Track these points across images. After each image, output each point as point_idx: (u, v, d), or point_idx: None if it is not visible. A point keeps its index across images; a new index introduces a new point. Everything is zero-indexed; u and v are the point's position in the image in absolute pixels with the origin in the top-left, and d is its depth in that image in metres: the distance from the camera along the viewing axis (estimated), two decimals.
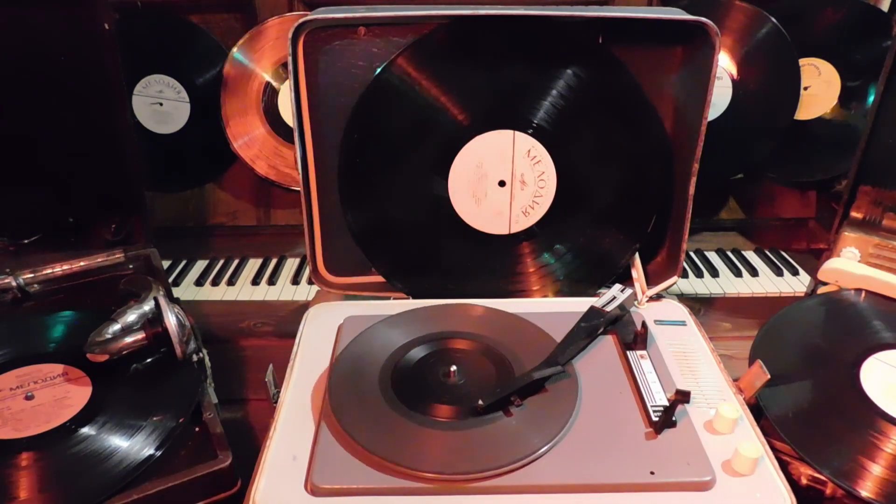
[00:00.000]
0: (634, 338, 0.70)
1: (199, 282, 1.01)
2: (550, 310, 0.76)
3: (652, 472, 0.55)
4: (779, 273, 1.03)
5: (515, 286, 0.84)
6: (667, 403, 0.61)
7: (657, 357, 0.68)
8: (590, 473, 0.55)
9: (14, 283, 0.77)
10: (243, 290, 0.99)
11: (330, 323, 0.75)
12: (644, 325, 0.71)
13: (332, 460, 0.56)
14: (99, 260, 0.82)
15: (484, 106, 0.78)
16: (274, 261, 1.07)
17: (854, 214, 0.84)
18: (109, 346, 0.65)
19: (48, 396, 0.63)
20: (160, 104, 1.04)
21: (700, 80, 0.75)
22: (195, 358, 0.68)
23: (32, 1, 0.72)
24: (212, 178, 1.09)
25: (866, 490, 0.56)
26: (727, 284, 1.00)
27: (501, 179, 0.81)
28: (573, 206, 0.82)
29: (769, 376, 0.62)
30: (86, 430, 0.60)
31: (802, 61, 1.02)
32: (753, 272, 1.03)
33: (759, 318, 0.82)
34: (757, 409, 0.64)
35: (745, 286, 1.00)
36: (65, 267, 0.81)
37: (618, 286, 0.76)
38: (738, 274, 1.03)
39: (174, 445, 0.59)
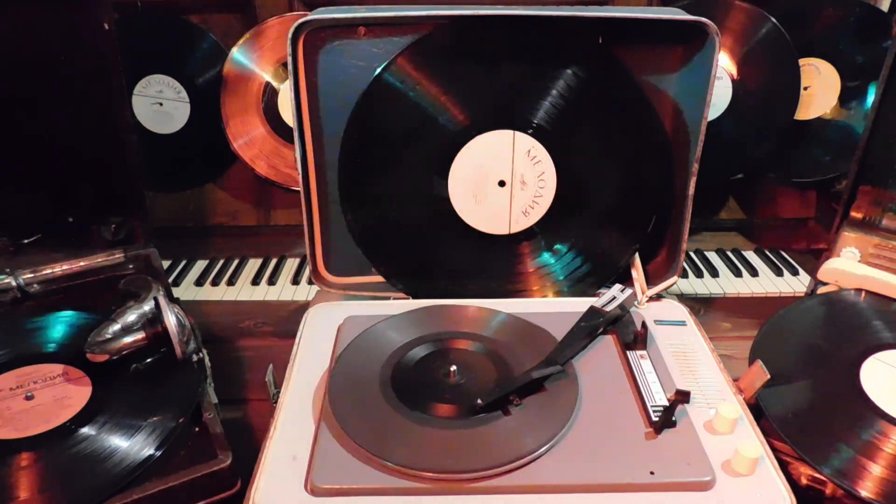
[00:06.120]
0: (634, 338, 0.70)
1: (199, 282, 1.01)
2: (550, 310, 0.76)
3: (652, 472, 0.55)
4: (779, 273, 1.03)
5: (515, 286, 0.84)
6: (667, 403, 0.61)
7: (657, 357, 0.68)
8: (589, 473, 0.55)
9: (14, 283, 0.77)
10: (243, 290, 0.99)
11: (330, 323, 0.75)
12: (644, 325, 0.71)
13: (331, 460, 0.56)
14: (99, 260, 0.82)
15: (484, 106, 0.78)
16: (274, 261, 1.07)
17: (854, 214, 0.84)
18: (109, 346, 0.65)
19: (48, 396, 0.63)
20: (160, 104, 1.04)
21: (700, 80, 0.75)
22: (195, 358, 0.68)
23: (32, 1, 0.72)
24: (212, 178, 1.09)
25: (866, 490, 0.56)
26: (727, 284, 1.00)
27: (501, 179, 0.81)
28: (573, 207, 0.82)
29: (769, 376, 0.62)
30: (86, 430, 0.60)
31: (802, 61, 1.02)
32: (753, 272, 1.03)
33: (759, 318, 0.82)
34: (757, 409, 0.64)
35: (745, 286, 1.00)
36: (65, 267, 0.81)
37: (618, 286, 0.76)
38: (738, 274, 1.03)
39: (174, 445, 0.59)
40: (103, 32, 0.75)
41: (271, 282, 1.01)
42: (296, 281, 1.02)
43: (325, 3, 0.79)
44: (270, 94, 1.04)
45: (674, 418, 0.59)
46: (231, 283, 1.01)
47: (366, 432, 0.57)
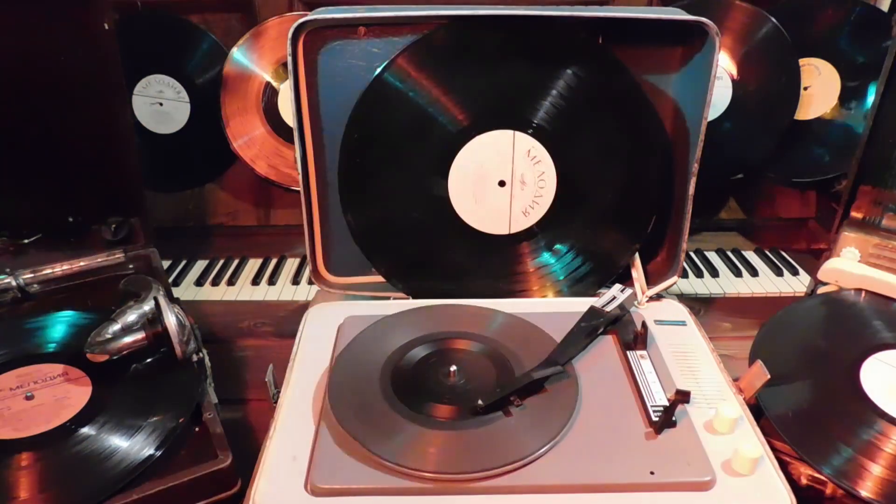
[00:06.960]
0: (634, 338, 0.70)
1: (199, 282, 1.01)
2: (550, 310, 0.76)
3: (652, 472, 0.55)
4: (779, 273, 1.03)
5: (515, 286, 0.84)
6: (667, 403, 0.61)
7: (657, 357, 0.68)
8: (590, 473, 0.55)
9: (14, 283, 0.77)
10: (243, 290, 0.99)
11: (330, 323, 0.75)
12: (644, 325, 0.71)
13: (331, 460, 0.56)
14: (99, 260, 0.82)
15: (484, 106, 0.78)
16: (274, 261, 1.07)
17: (854, 214, 0.84)
18: (109, 346, 0.65)
19: (48, 396, 0.63)
20: (160, 104, 1.04)
21: (700, 80, 0.75)
22: (195, 358, 0.68)
23: (32, 1, 0.72)
24: (212, 178, 1.09)
25: (866, 490, 0.56)
26: (727, 284, 1.00)
27: (501, 179, 0.81)
28: (573, 207, 0.82)
29: (769, 376, 0.62)
30: (86, 430, 0.60)
31: (802, 61, 1.02)
32: (753, 272, 1.03)
33: (759, 318, 0.82)
34: (757, 409, 0.64)
35: (745, 286, 1.00)
36: (65, 267, 0.81)
37: (618, 286, 0.76)
38: (738, 274, 1.03)
39: (174, 445, 0.59)
40: (103, 32, 0.75)
41: (271, 282, 1.01)
42: (296, 281, 1.02)
43: (325, 3, 0.79)
44: (270, 94, 1.04)
45: (674, 418, 0.59)
46: (231, 283, 1.01)
47: (366, 432, 0.57)
